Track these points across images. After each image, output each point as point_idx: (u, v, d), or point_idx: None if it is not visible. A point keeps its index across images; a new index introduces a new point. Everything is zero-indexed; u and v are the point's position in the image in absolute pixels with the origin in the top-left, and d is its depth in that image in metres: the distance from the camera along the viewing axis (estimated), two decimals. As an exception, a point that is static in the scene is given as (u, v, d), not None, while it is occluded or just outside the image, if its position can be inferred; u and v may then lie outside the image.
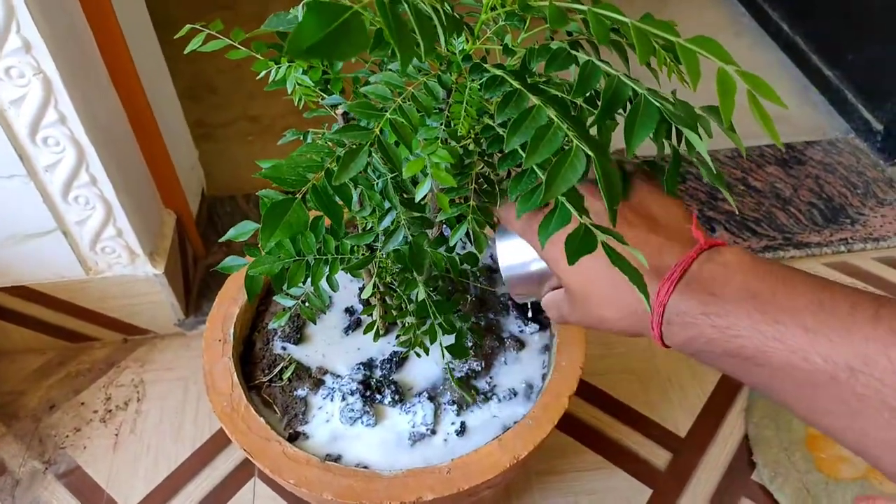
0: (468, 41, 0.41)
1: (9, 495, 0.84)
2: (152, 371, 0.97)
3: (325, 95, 0.51)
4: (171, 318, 0.99)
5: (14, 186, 0.77)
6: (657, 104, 0.35)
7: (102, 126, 0.77)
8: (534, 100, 0.37)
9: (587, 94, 0.38)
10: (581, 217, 0.37)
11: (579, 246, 0.35)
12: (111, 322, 0.97)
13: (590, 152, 0.35)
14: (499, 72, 0.39)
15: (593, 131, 0.40)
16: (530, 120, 0.36)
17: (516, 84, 0.38)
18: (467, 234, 0.48)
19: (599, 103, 0.43)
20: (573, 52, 0.39)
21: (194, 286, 1.04)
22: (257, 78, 0.48)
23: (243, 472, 0.87)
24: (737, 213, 1.18)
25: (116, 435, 0.90)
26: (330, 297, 0.68)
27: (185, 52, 0.49)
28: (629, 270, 0.36)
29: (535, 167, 0.38)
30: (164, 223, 0.96)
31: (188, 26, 0.50)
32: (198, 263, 1.06)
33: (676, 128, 0.43)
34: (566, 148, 0.35)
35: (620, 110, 0.39)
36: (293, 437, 0.58)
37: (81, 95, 0.73)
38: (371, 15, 0.31)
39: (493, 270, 0.70)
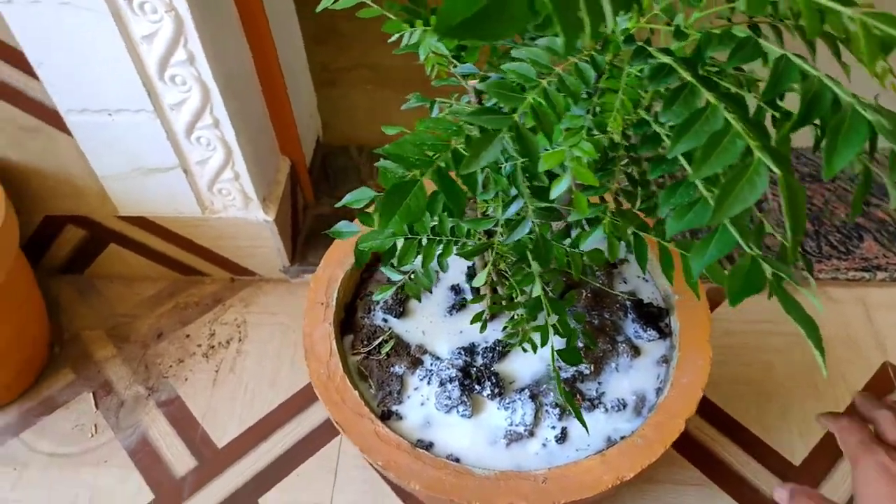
0: (632, 18, 0.35)
1: (114, 415, 0.88)
2: (255, 313, 0.99)
3: (457, 63, 0.47)
4: (278, 263, 0.99)
5: (141, 121, 0.78)
6: (868, 116, 0.29)
7: (229, 69, 0.77)
8: (708, 97, 0.31)
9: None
10: (748, 247, 0.31)
11: (744, 283, 0.29)
12: (222, 261, 0.99)
13: (775, 168, 0.29)
14: (667, 59, 0.33)
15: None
16: (702, 122, 0.30)
17: (688, 76, 0.32)
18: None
19: (779, 104, 0.37)
20: (760, 41, 0.32)
21: (301, 234, 1.04)
22: (389, 41, 0.44)
23: (332, 427, 0.87)
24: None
25: (216, 371, 0.92)
26: (437, 272, 0.65)
27: (317, 10, 0.45)
28: (802, 318, 0.30)
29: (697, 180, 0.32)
30: (279, 170, 0.96)
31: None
32: (307, 212, 1.06)
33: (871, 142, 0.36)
34: (744, 160, 0.29)
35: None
36: (386, 416, 0.56)
37: (211, 36, 0.71)
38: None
39: (612, 265, 0.65)
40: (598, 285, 0.61)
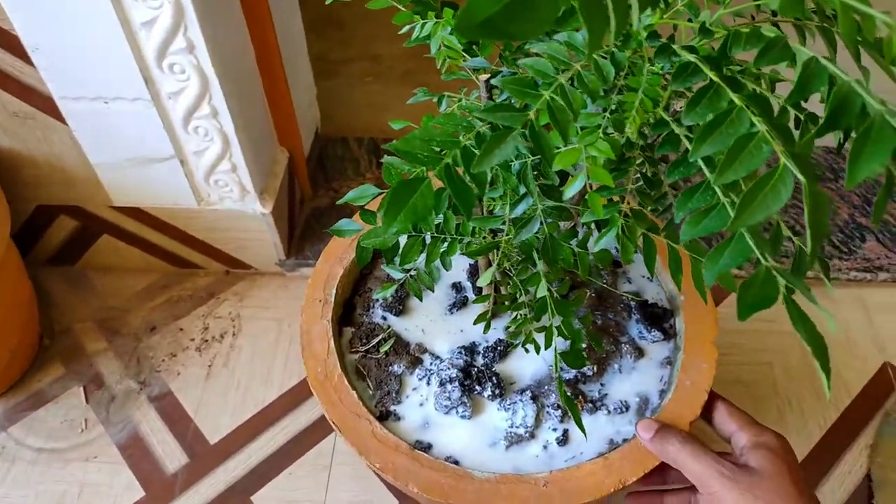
0: (655, 14, 0.34)
1: (104, 409, 0.87)
2: (250, 307, 0.97)
3: (468, 56, 0.46)
4: (273, 256, 0.98)
5: (138, 110, 0.76)
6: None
7: (229, 58, 0.75)
8: (734, 98, 0.30)
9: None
10: (763, 257, 0.30)
11: (757, 296, 0.28)
12: (216, 253, 0.97)
13: (800, 176, 0.28)
14: (692, 57, 0.32)
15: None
16: (728, 125, 0.29)
17: (714, 76, 0.31)
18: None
19: (803, 106, 0.36)
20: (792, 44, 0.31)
21: (298, 227, 1.02)
22: (399, 32, 0.43)
23: (326, 423, 0.86)
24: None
25: (210, 366, 0.91)
26: (438, 270, 0.63)
27: (328, 2, 0.44)
28: (811, 336, 0.29)
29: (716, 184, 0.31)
30: (277, 162, 0.94)
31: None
32: (304, 205, 1.05)
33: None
34: (770, 166, 0.28)
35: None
36: (384, 416, 0.55)
37: (212, 24, 0.70)
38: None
39: (616, 265, 0.64)
40: (603, 285, 0.60)
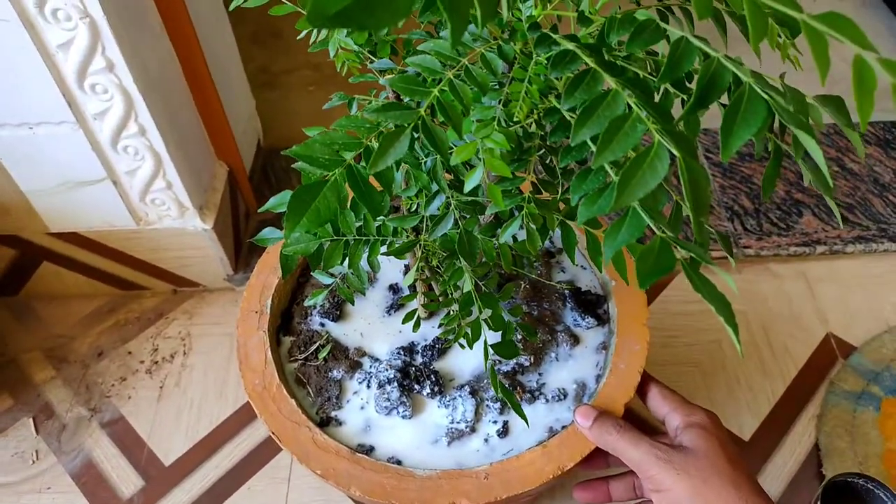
0: (537, 5, 0.35)
1: (55, 439, 0.85)
2: (200, 325, 0.96)
3: (373, 58, 0.46)
4: (221, 272, 0.97)
5: (64, 133, 0.75)
6: (765, 96, 0.29)
7: (153, 75, 0.74)
8: (610, 82, 0.30)
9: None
10: (658, 228, 0.31)
11: (653, 264, 0.29)
12: (161, 273, 0.96)
13: (675, 151, 0.28)
14: (570, 45, 0.32)
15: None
16: (604, 107, 0.30)
17: (590, 62, 0.31)
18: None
19: (689, 86, 0.37)
20: (663, 24, 0.32)
21: (245, 241, 1.01)
22: (297, 38, 0.43)
23: (282, 436, 0.85)
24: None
25: (161, 387, 0.90)
26: (370, 273, 0.64)
27: (230, 9, 0.44)
28: (712, 296, 0.30)
29: (605, 164, 0.32)
30: (216, 176, 0.93)
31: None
32: (249, 218, 1.04)
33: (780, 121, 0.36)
34: (646, 144, 0.29)
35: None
36: (325, 422, 0.55)
37: (130, 42, 0.69)
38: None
39: (550, 255, 0.65)
40: (536, 276, 0.61)
